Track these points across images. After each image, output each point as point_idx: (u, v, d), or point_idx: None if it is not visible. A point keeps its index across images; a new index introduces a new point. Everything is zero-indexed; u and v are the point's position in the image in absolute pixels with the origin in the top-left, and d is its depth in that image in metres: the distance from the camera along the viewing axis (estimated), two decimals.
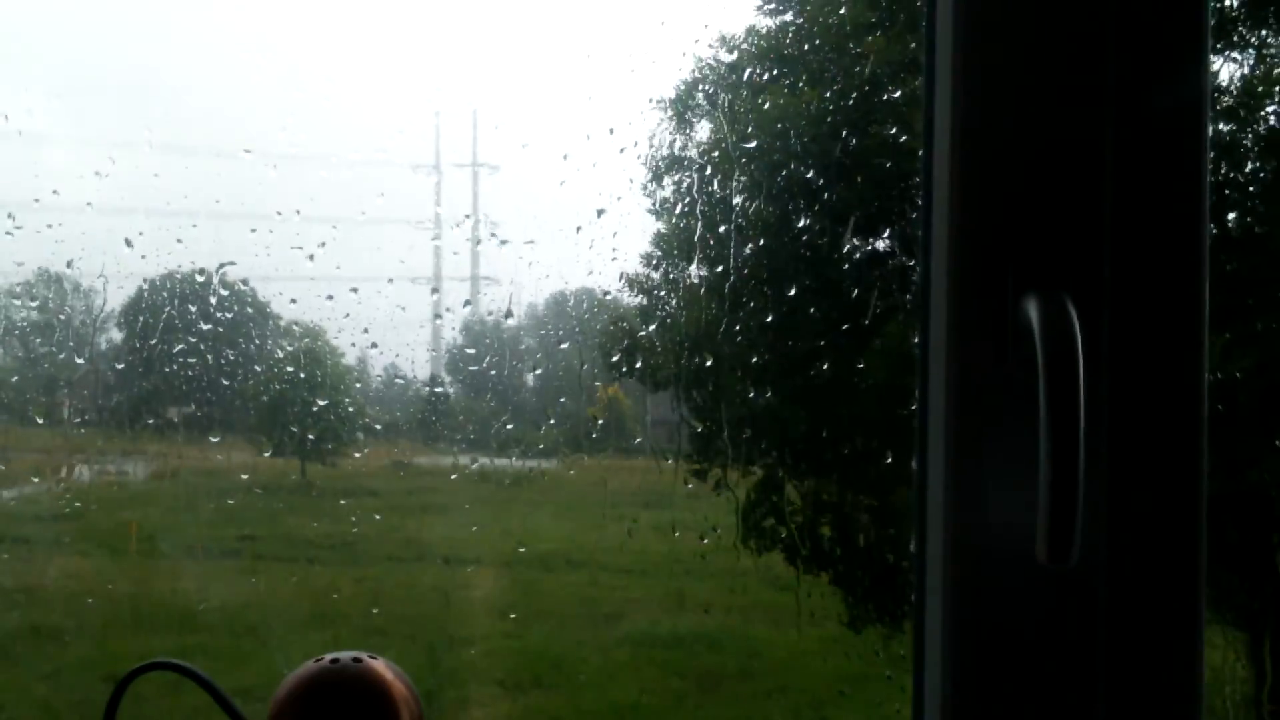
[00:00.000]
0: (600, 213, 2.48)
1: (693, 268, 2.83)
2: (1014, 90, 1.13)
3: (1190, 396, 1.13)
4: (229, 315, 2.92)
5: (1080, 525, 1.01)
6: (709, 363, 2.87)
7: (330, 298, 2.69)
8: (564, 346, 3.27)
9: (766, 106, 2.84)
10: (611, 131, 2.46)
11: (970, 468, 1.13)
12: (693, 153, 2.97)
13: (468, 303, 3.24)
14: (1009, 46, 1.13)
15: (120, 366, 3.32)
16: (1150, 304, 1.13)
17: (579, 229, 2.46)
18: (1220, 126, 2.98)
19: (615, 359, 3.13)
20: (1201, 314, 1.13)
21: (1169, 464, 1.13)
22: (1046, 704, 1.11)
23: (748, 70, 2.97)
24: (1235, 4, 3.06)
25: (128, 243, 2.60)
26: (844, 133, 2.81)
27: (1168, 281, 1.13)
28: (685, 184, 2.92)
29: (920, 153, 1.26)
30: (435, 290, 3.00)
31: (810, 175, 2.84)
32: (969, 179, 1.14)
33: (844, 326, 2.93)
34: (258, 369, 3.30)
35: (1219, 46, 2.97)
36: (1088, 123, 1.13)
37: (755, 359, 2.90)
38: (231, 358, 3.08)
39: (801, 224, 2.88)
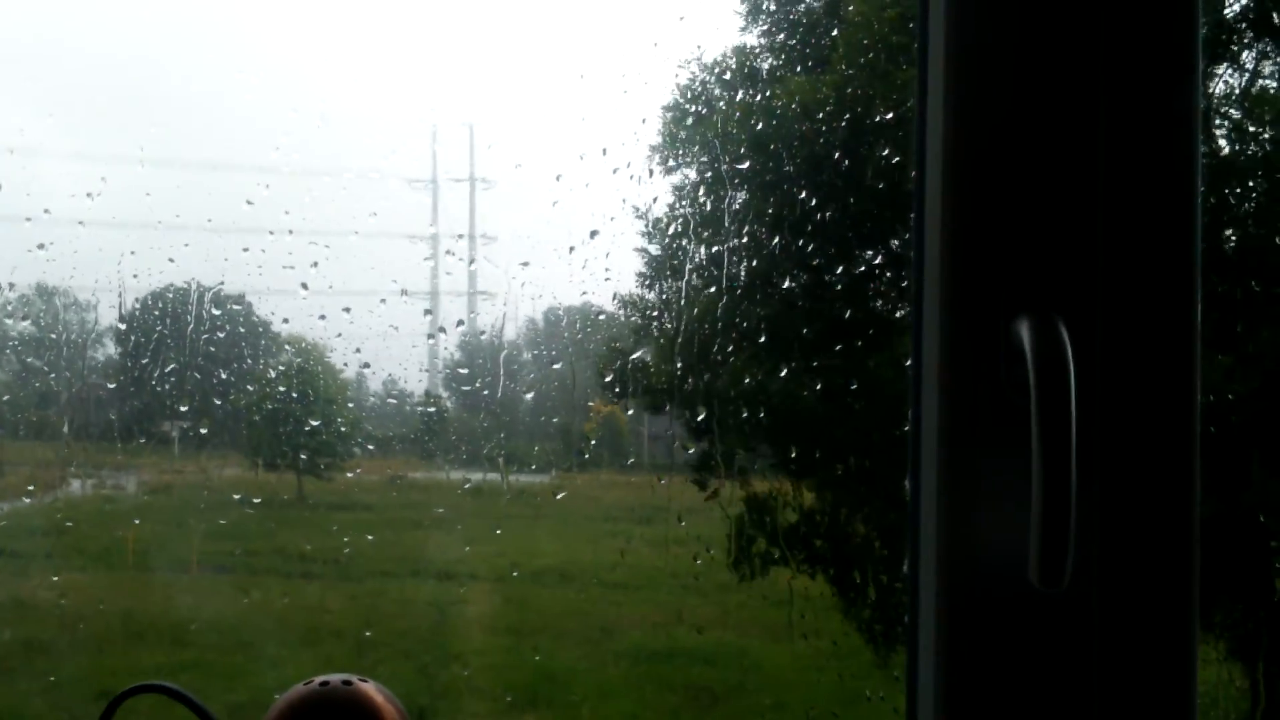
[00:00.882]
0: (594, 234, 2.49)
1: (684, 287, 2.83)
2: (1005, 112, 1.13)
3: (1183, 417, 1.13)
4: (221, 334, 2.92)
5: (1073, 548, 1.01)
6: (703, 382, 2.87)
7: (323, 317, 2.69)
8: (557, 367, 3.27)
9: (760, 128, 2.84)
10: (605, 152, 2.47)
11: (963, 489, 1.12)
12: (686, 174, 2.97)
13: (460, 322, 3.23)
14: (1000, 68, 1.14)
15: (112, 386, 3.32)
16: (1143, 325, 1.13)
17: (572, 249, 2.46)
18: (1219, 140, 2.99)
19: (608, 379, 3.13)
20: (1194, 335, 1.13)
21: (1162, 485, 1.12)
22: None
23: (740, 92, 2.97)
24: (1235, 15, 3.07)
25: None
26: (837, 154, 2.82)
27: (1160, 303, 1.13)
28: (679, 205, 2.92)
29: (913, 174, 1.26)
30: (428, 311, 3.00)
31: (803, 196, 2.84)
32: (961, 200, 1.14)
33: (837, 347, 2.93)
34: (250, 388, 3.29)
35: (1211, 66, 2.98)
36: (1079, 144, 1.13)
37: (748, 379, 2.90)
38: (224, 376, 3.07)
39: (795, 245, 2.88)
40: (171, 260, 2.65)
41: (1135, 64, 1.14)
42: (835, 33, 2.96)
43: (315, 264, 2.58)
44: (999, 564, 1.10)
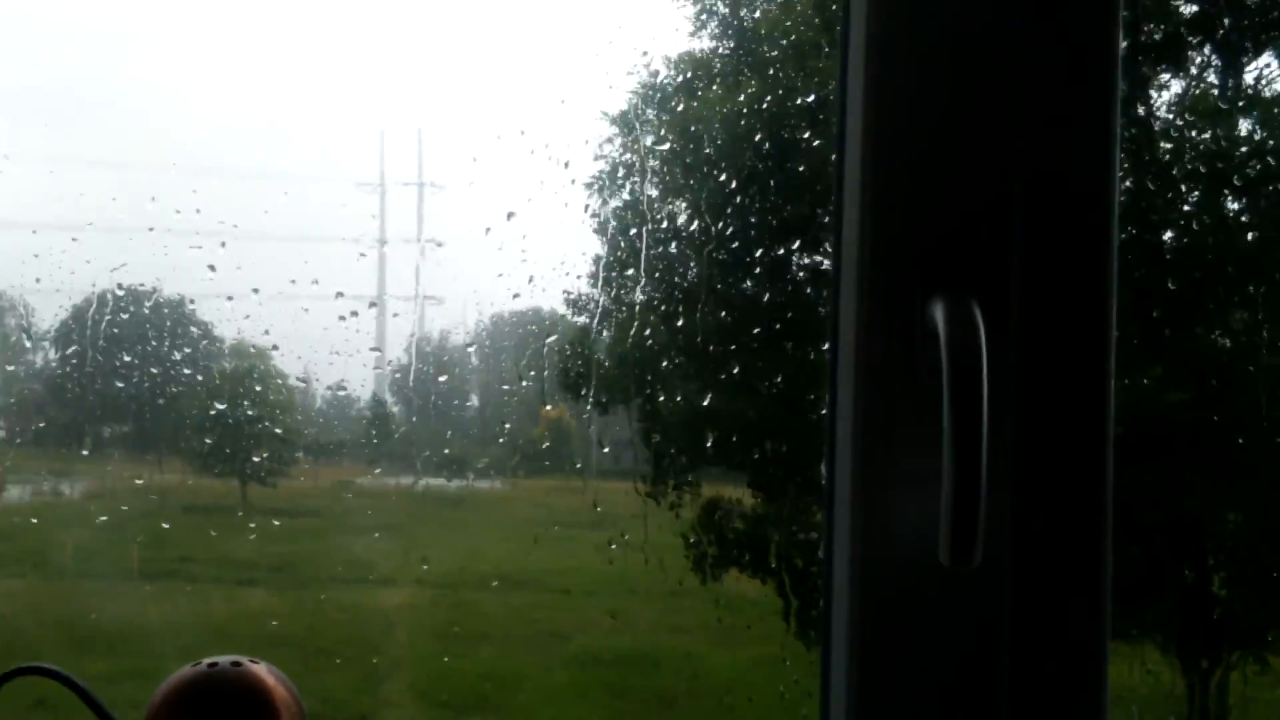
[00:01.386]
0: (510, 215, 2.47)
1: (603, 273, 2.81)
2: (925, 95, 1.13)
3: (1096, 403, 1.13)
4: (163, 342, 2.88)
5: (982, 527, 1.00)
6: (647, 382, 2.86)
7: (246, 314, 2.65)
8: (508, 380, 3.25)
9: (680, 109, 2.84)
10: (523, 133, 2.45)
11: (878, 471, 1.12)
12: (605, 161, 2.96)
13: (373, 304, 3.15)
14: (921, 52, 1.13)
15: (36, 382, 3.26)
16: (1058, 311, 1.13)
17: (488, 230, 2.44)
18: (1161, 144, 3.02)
19: (556, 382, 3.11)
20: (1109, 322, 1.13)
21: (1074, 468, 1.12)
22: (951, 707, 1.10)
23: (662, 74, 2.97)
24: (1179, 21, 3.10)
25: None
26: (758, 136, 2.82)
27: (1075, 289, 1.13)
28: (600, 189, 2.91)
29: (833, 157, 1.25)
30: (340, 294, 2.94)
31: (724, 179, 2.84)
32: (880, 183, 1.14)
33: (755, 330, 2.93)
34: (196, 396, 3.25)
35: (1160, 67, 3.01)
36: (998, 129, 1.13)
37: (666, 363, 2.89)
38: (153, 373, 3.03)
39: (715, 227, 2.87)
40: (86, 259, 2.59)
41: (1054, 50, 1.14)
42: (758, 14, 2.97)
43: (222, 242, 2.53)
44: (913, 545, 1.10)
